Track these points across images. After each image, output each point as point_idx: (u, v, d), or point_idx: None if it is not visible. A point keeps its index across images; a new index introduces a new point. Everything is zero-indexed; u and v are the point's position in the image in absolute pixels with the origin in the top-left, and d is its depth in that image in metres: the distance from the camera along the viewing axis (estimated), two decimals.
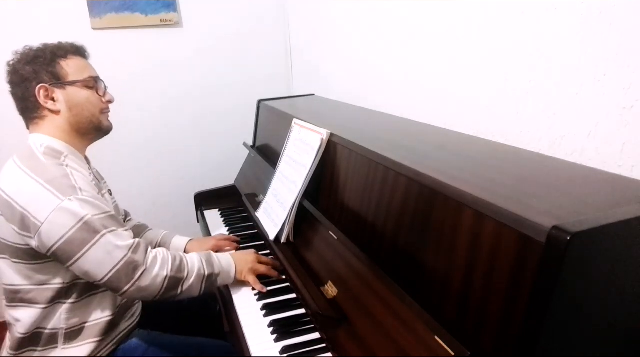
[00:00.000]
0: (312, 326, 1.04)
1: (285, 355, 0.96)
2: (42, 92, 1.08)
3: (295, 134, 1.36)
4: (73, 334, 1.09)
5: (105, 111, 1.18)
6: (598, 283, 0.60)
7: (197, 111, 2.46)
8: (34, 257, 1.03)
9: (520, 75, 1.05)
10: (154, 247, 1.43)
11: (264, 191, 1.46)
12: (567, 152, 0.95)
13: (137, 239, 1.04)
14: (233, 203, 1.86)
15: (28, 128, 1.14)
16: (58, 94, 1.10)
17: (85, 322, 1.10)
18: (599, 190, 0.73)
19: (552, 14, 0.95)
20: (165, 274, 1.04)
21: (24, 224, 0.98)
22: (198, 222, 1.89)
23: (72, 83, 1.11)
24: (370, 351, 0.84)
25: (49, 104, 1.09)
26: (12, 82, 1.11)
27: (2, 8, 2.03)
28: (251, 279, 1.20)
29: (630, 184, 0.74)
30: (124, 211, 1.46)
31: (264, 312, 1.11)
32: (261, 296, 1.18)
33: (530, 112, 1.04)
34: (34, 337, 1.08)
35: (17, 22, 2.06)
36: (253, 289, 1.21)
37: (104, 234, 0.99)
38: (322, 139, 1.18)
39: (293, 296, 1.17)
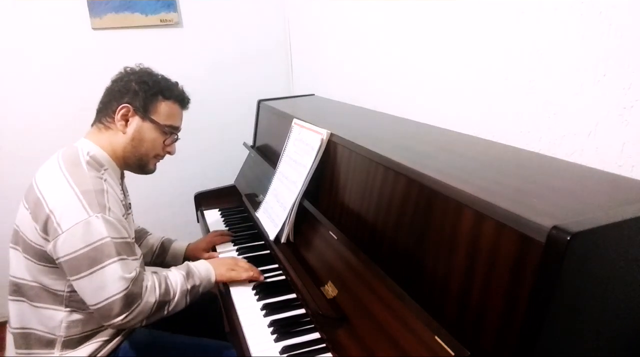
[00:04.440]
0: (312, 326, 1.04)
1: (285, 355, 0.96)
2: (122, 111, 1.13)
3: (295, 134, 1.36)
4: (72, 342, 1.09)
5: (158, 157, 1.23)
6: (598, 283, 0.60)
7: (197, 111, 2.43)
8: (45, 259, 1.03)
9: (520, 75, 1.05)
10: (154, 253, 1.45)
11: (264, 191, 1.46)
12: (567, 152, 0.95)
13: (138, 269, 1.04)
14: (233, 203, 1.86)
15: (92, 125, 1.18)
16: (135, 120, 1.15)
17: (89, 331, 1.10)
18: (599, 190, 0.73)
19: (552, 14, 0.95)
20: (153, 300, 1.04)
21: (46, 226, 0.99)
22: (198, 222, 1.89)
23: (153, 121, 1.16)
24: (370, 351, 0.84)
25: (120, 124, 1.14)
26: (114, 82, 1.17)
27: (2, 8, 2.03)
28: (234, 274, 1.21)
29: (630, 184, 0.74)
30: None
31: (264, 312, 1.11)
32: (261, 296, 1.18)
33: (530, 112, 1.04)
34: (25, 337, 1.08)
35: (18, 22, 2.06)
36: (253, 289, 1.21)
37: (114, 261, 0.99)
38: (322, 139, 1.18)
39: (293, 296, 1.17)
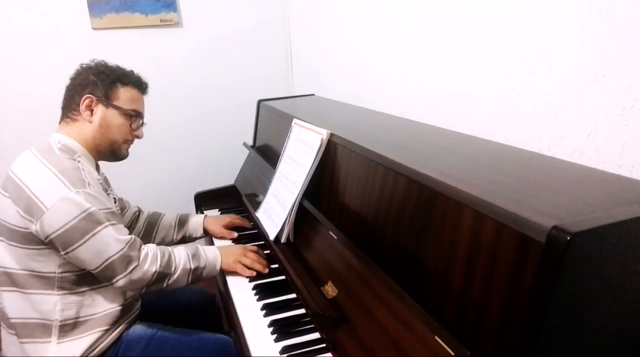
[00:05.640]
0: (312, 326, 1.04)
1: (285, 355, 0.96)
2: (86, 101, 1.17)
3: (295, 134, 1.36)
4: (68, 327, 1.09)
5: (128, 142, 1.27)
6: (598, 283, 0.60)
7: (197, 111, 2.46)
8: (31, 241, 1.05)
9: (520, 75, 1.05)
10: (174, 228, 1.53)
11: (264, 191, 1.46)
12: (567, 152, 0.95)
13: (133, 235, 1.10)
14: (233, 203, 1.86)
15: (59, 122, 1.22)
16: (99, 109, 1.19)
17: (84, 317, 1.11)
18: (599, 190, 0.73)
19: (552, 14, 0.95)
20: (154, 269, 1.11)
21: (29, 207, 1.02)
22: None
23: (116, 107, 1.20)
24: (370, 351, 0.84)
25: (86, 114, 1.18)
26: (72, 79, 1.22)
27: (3, 8, 2.03)
28: (238, 267, 1.26)
29: (630, 184, 0.74)
30: (137, 207, 1.54)
31: (264, 312, 1.11)
32: (261, 296, 1.18)
33: (530, 112, 1.04)
34: (24, 326, 1.09)
35: (18, 22, 2.06)
36: (253, 289, 1.21)
37: (106, 226, 1.04)
38: (322, 139, 1.18)
39: (293, 296, 1.17)
